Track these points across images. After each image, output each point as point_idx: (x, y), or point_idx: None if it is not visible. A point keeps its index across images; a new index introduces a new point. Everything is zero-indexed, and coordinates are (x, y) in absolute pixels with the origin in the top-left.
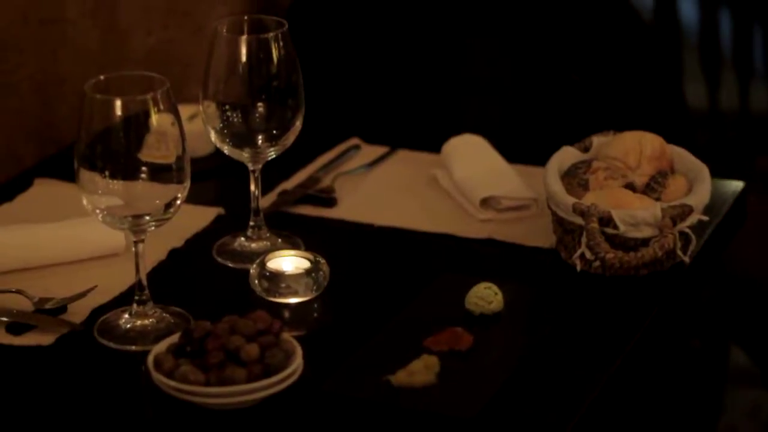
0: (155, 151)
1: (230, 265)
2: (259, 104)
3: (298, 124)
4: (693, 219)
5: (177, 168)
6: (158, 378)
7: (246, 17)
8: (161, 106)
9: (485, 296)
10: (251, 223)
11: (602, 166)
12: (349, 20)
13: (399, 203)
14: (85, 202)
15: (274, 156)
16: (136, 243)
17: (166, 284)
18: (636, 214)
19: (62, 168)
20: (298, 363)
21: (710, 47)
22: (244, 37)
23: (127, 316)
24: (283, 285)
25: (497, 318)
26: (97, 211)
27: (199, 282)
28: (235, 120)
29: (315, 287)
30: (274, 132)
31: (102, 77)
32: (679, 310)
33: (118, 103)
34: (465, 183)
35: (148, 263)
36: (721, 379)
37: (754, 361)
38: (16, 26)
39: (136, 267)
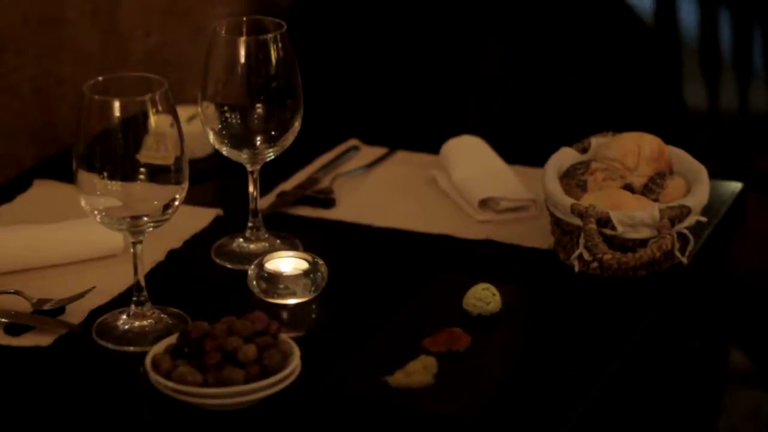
0: (154, 152)
1: (228, 266)
2: (258, 105)
3: (297, 125)
4: (691, 220)
5: (175, 169)
6: (156, 379)
7: (245, 18)
8: (160, 108)
9: (483, 297)
10: (250, 224)
11: (601, 167)
12: (348, 21)
13: (397, 204)
14: (83, 203)
15: (272, 157)
16: (134, 244)
17: (164, 285)
18: (634, 215)
19: (62, 169)
20: (295, 364)
21: (710, 48)
22: (242, 39)
23: (125, 317)
24: (281, 286)
25: (495, 319)
26: (96, 212)
27: (197, 283)
28: (234, 121)
29: (313, 288)
30: (273, 133)
31: (100, 78)
32: (678, 311)
33: (117, 104)
34: (463, 184)
35: (147, 264)
36: (720, 381)
37: (754, 362)
38: (15, 27)
39: (134, 268)
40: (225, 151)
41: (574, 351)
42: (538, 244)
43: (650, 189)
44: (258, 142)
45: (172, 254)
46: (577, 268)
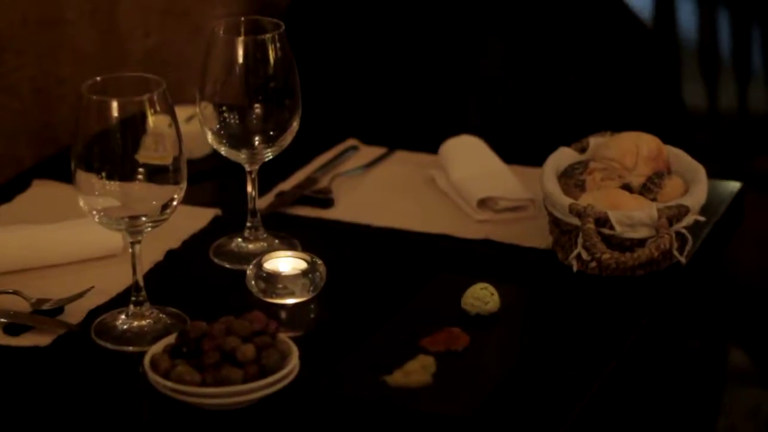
0: (152, 152)
1: (227, 266)
2: (256, 105)
3: (295, 125)
4: (689, 219)
5: (174, 169)
6: (154, 378)
7: (243, 18)
8: (158, 108)
9: (481, 297)
10: (248, 224)
11: (599, 166)
12: (347, 21)
13: (396, 204)
14: (81, 203)
15: (271, 157)
16: (132, 244)
17: (163, 285)
18: (632, 215)
19: (61, 169)
20: (294, 363)
21: (709, 48)
22: (240, 39)
23: (124, 317)
24: (279, 286)
25: (494, 318)
26: (94, 212)
27: (196, 283)
28: (232, 121)
29: (312, 288)
30: (271, 133)
31: (99, 78)
32: (676, 311)
33: (115, 104)
34: (462, 184)
35: (146, 264)
36: (720, 380)
37: (754, 360)
38: (15, 28)
39: (132, 268)
40: (223, 151)
41: (573, 350)
42: (536, 243)
43: (648, 189)
44: (256, 142)
45: (170, 254)
46: (575, 268)
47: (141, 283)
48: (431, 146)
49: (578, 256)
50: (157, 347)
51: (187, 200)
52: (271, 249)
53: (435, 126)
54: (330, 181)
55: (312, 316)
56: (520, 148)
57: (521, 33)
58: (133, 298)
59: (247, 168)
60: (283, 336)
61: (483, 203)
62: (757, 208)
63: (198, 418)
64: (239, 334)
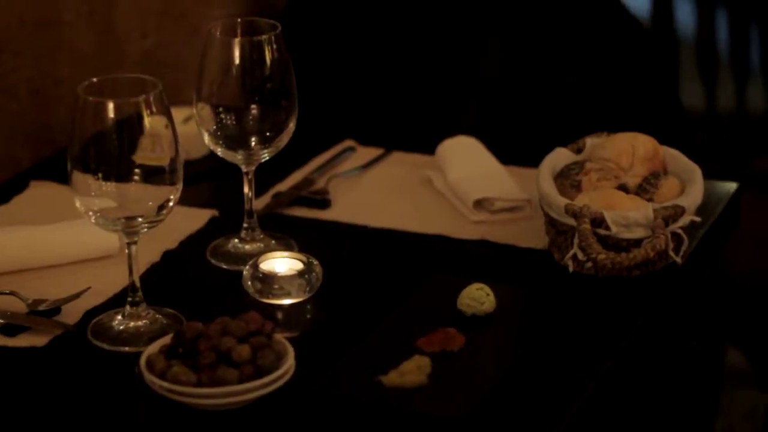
0: (149, 153)
1: (224, 266)
2: (253, 106)
3: (292, 125)
4: (685, 220)
5: (170, 170)
6: (150, 379)
7: (239, 20)
8: (154, 109)
9: (477, 297)
10: (245, 225)
11: (595, 167)
12: (344, 22)
13: (393, 205)
14: (78, 204)
15: (267, 158)
16: (129, 245)
17: (160, 286)
18: (628, 215)
19: (58, 170)
20: (289, 364)
21: (707, 48)
22: (237, 40)
23: (120, 317)
24: (276, 286)
25: (489, 319)
26: (90, 213)
27: (192, 283)
28: (229, 122)
29: (308, 288)
30: (268, 134)
31: (95, 79)
32: (672, 311)
33: (111, 105)
34: (459, 184)
35: (142, 265)
36: (717, 380)
37: (751, 361)
38: (12, 29)
39: (129, 269)
40: (220, 152)
41: (568, 351)
42: (532, 244)
43: (644, 189)
44: (253, 143)
45: (167, 255)
46: (571, 268)
47: (137, 283)
48: (428, 147)
49: (574, 257)
50: (153, 348)
51: (184, 201)
52: (268, 250)
53: (432, 127)
54: (327, 182)
55: (308, 316)
56: (517, 149)
57: (518, 34)
58: (130, 299)
59: (244, 169)
60: (279, 336)
61: (479, 204)
62: (755, 208)
63: (194, 418)
64: (235, 335)
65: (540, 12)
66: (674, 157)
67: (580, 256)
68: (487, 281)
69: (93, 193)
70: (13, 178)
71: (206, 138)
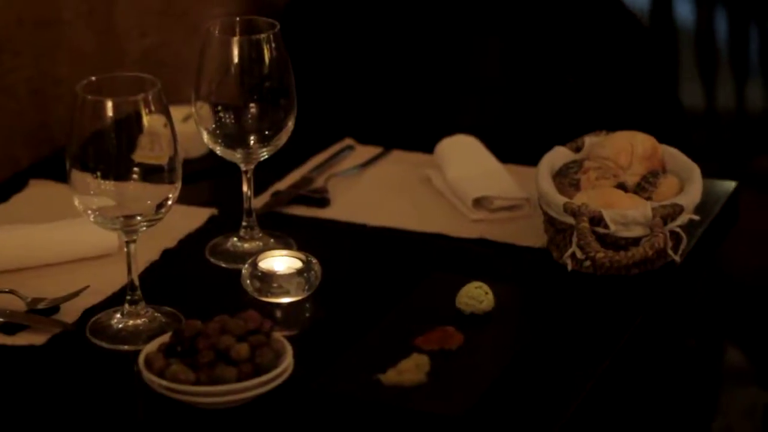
0: (148, 151)
1: (223, 265)
2: (252, 105)
3: (291, 124)
4: (684, 218)
5: (169, 169)
6: (149, 377)
7: (238, 18)
8: (152, 108)
9: (476, 296)
10: (244, 224)
11: (594, 165)
12: (344, 21)
13: (392, 203)
14: (76, 202)
15: (266, 156)
16: (127, 243)
17: (159, 284)
18: (627, 214)
19: (57, 169)
20: (288, 362)
21: (707, 47)
22: (236, 38)
23: (119, 316)
24: (274, 285)
25: (488, 317)
26: (89, 211)
27: (191, 282)
28: (228, 121)
29: (307, 287)
30: (267, 133)
31: (94, 78)
32: (671, 310)
33: (109, 104)
34: (457, 183)
35: (141, 263)
36: (716, 379)
37: (750, 359)
38: (11, 28)
39: (128, 267)
40: (219, 150)
41: (567, 349)
42: (531, 242)
43: (643, 188)
44: (252, 142)
45: (166, 253)
46: (569, 267)
47: (136, 282)
48: (427, 146)
49: (573, 255)
50: (151, 346)
51: (183, 200)
52: (267, 248)
53: (431, 125)
54: (326, 181)
55: (307, 315)
56: (516, 148)
57: (517, 33)
58: (128, 298)
59: (243, 167)
60: (278, 335)
61: (478, 202)
62: (755, 207)
63: (192, 416)
64: (234, 333)
65: (539, 11)
66: (673, 155)
67: (579, 254)
68: (486, 280)
69: (92, 192)
70: (12, 177)
71: (205, 137)
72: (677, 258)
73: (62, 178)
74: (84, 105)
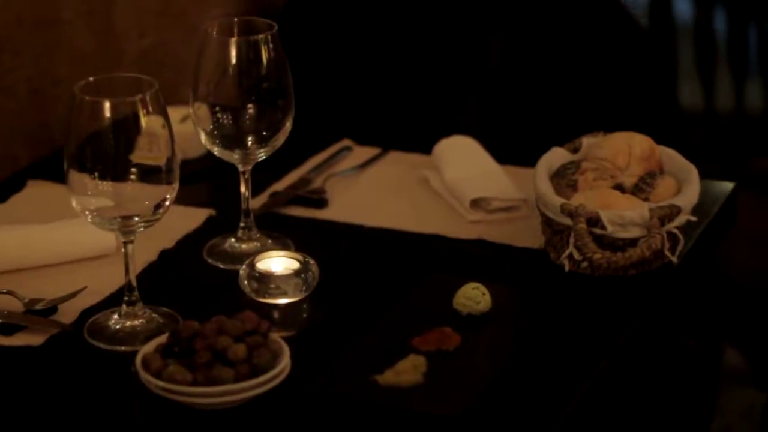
0: (146, 152)
1: (220, 266)
2: (249, 106)
3: (288, 125)
4: (681, 219)
5: (166, 169)
6: (146, 378)
7: (236, 19)
8: (150, 108)
9: (473, 296)
10: (241, 224)
11: (591, 166)
12: (343, 22)
13: (389, 204)
14: (74, 203)
15: (264, 157)
16: (125, 244)
17: (156, 285)
18: (624, 215)
19: (56, 169)
20: (285, 363)
21: (706, 48)
22: (233, 39)
23: (116, 316)
24: (272, 286)
25: (485, 318)
26: (87, 212)
27: (189, 283)
28: (226, 121)
29: (304, 288)
30: (264, 133)
31: (92, 79)
32: (668, 311)
33: (107, 104)
34: (455, 184)
35: (139, 264)
36: (715, 380)
37: (749, 361)
38: (10, 28)
39: (125, 268)
40: (216, 151)
41: (564, 350)
42: (529, 243)
43: (640, 189)
44: (249, 143)
45: (164, 254)
46: (567, 268)
47: (134, 282)
48: (425, 147)
49: (570, 256)
50: (148, 347)
51: (181, 200)
52: (265, 249)
53: (429, 126)
54: (324, 182)
55: (304, 315)
56: (514, 149)
57: (516, 33)
58: (126, 298)
59: (241, 168)
60: (275, 335)
61: (476, 203)
62: (753, 208)
63: (189, 417)
64: (231, 334)
65: (538, 12)
66: (670, 156)
67: (576, 255)
68: (484, 281)
69: (89, 192)
70: (10, 177)
71: (203, 137)
72: (674, 259)
73: (61, 178)
74: (82, 105)
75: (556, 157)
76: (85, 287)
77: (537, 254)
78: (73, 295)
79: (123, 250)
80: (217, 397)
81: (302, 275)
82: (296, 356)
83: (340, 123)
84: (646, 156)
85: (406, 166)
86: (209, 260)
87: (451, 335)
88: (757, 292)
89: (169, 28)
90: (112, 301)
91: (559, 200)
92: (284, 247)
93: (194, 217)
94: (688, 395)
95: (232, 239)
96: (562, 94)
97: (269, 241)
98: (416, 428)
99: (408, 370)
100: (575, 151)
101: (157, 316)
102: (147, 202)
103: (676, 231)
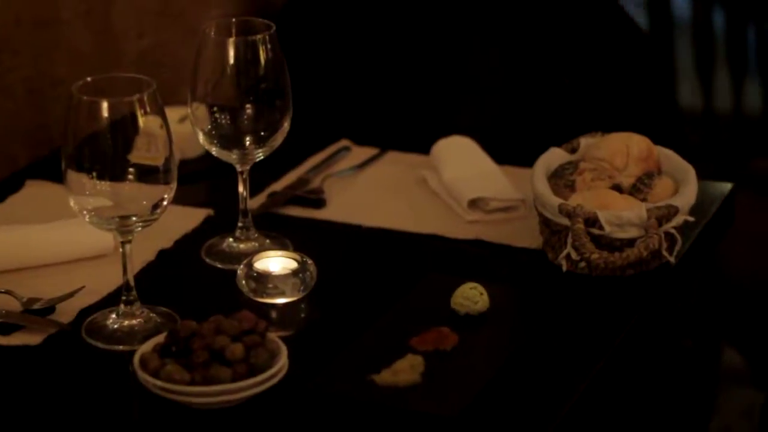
0: (145, 152)
1: (218, 265)
2: (247, 106)
3: (286, 125)
4: (679, 220)
5: (164, 169)
6: (144, 377)
7: (234, 19)
8: (148, 108)
9: (471, 296)
10: (239, 224)
11: (589, 167)
12: (341, 22)
13: (388, 204)
14: (72, 203)
15: (261, 157)
16: (123, 244)
17: (154, 285)
18: (621, 215)
19: (54, 169)
20: (282, 362)
21: (704, 48)
22: (231, 39)
23: (114, 316)
24: (270, 285)
25: (483, 318)
26: (85, 212)
27: (187, 282)
28: (224, 121)
29: (302, 287)
30: (262, 133)
31: (89, 79)
32: (665, 311)
33: (105, 104)
34: (453, 184)
35: (137, 264)
36: (714, 380)
37: (747, 360)
38: (9, 28)
39: (123, 268)
40: (214, 151)
41: (561, 350)
42: (527, 243)
43: (638, 189)
44: (247, 143)
45: (162, 254)
46: (564, 268)
47: (131, 282)
48: (423, 147)
49: (568, 256)
50: (146, 346)
51: (180, 200)
52: (263, 249)
53: (427, 127)
54: (322, 182)
55: (302, 315)
56: (512, 149)
57: (514, 34)
58: (124, 298)
59: (239, 168)
60: (272, 335)
61: (474, 204)
62: (752, 209)
63: (187, 416)
64: (228, 334)
65: (536, 12)
66: (668, 157)
67: (574, 255)
68: (482, 280)
69: (87, 192)
70: (9, 177)
71: (201, 137)
72: (672, 259)
73: (59, 178)
74: (79, 105)
75: (554, 157)
76: (83, 287)
77: (535, 254)
78: (71, 294)
79: (121, 249)
80: (214, 396)
81: (300, 275)
82: (294, 356)
83: (339, 123)
84: (644, 156)
85: (405, 166)
86: (207, 260)
87: (448, 335)
88: (756, 293)
89: (168, 28)
90: (110, 301)
91: (557, 200)
92: (282, 247)
93: (192, 216)
94: (687, 395)
95: (230, 239)
96: (560, 94)
97: (267, 241)
98: (414, 428)
99: (405, 370)
100: (573, 151)
101: (155, 315)
102: (145, 202)
103: (673, 231)
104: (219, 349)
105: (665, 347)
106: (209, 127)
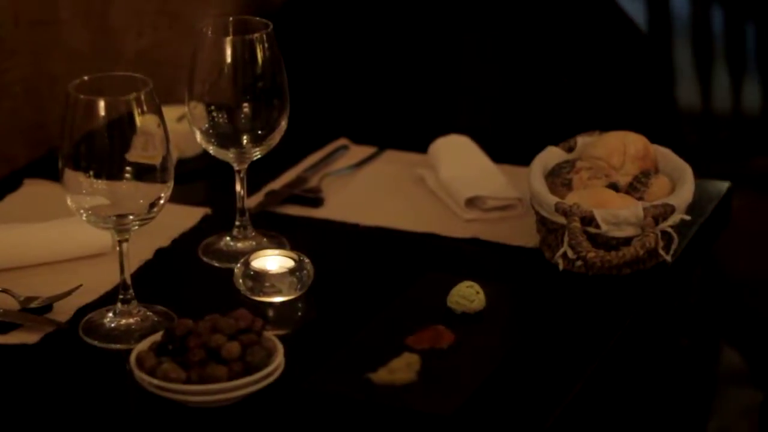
0: (143, 151)
1: (216, 264)
2: (245, 105)
3: (284, 124)
4: (675, 218)
5: (161, 168)
6: (140, 376)
7: (231, 18)
8: (145, 107)
9: (467, 295)
10: (237, 223)
11: (586, 165)
12: (340, 21)
13: (385, 203)
14: (69, 201)
15: (259, 156)
16: (120, 242)
17: (152, 283)
18: (618, 214)
19: (52, 168)
20: (279, 361)
21: (703, 47)
22: (229, 38)
23: (111, 315)
24: (267, 284)
25: (479, 317)
26: (82, 210)
27: (184, 281)
28: (221, 120)
29: (299, 286)
30: (260, 132)
31: (86, 78)
32: (662, 310)
33: (102, 103)
34: (451, 183)
35: (135, 262)
36: (712, 379)
37: (746, 360)
38: (7, 28)
39: (120, 266)
40: (212, 150)
41: (558, 349)
42: (523, 242)
43: (635, 188)
44: (245, 142)
45: (160, 252)
46: (561, 267)
47: (128, 281)
48: (421, 146)
49: (564, 255)
50: (143, 345)
51: (177, 199)
52: (260, 248)
53: (425, 125)
54: (319, 181)
55: (299, 314)
56: (510, 148)
57: (512, 33)
58: (121, 297)
59: (236, 167)
60: (269, 334)
61: (471, 202)
62: (751, 208)
63: (183, 415)
64: (225, 332)
65: (534, 11)
66: (665, 155)
67: (570, 254)
68: (478, 279)
69: (84, 191)
70: (6, 177)
71: (198, 136)
72: (668, 258)
73: (56, 177)
74: (76, 104)
75: (551, 156)
76: (81, 285)
77: (531, 253)
78: (69, 293)
79: (118, 248)
80: (210, 395)
81: (297, 274)
82: (290, 354)
83: (336, 122)
84: (641, 155)
85: (402, 165)
86: (204, 259)
87: (444, 333)
88: (754, 292)
89: (166, 27)
90: (107, 300)
91: (553, 199)
92: (279, 245)
93: (190, 215)
94: (685, 395)
95: (228, 238)
96: (558, 93)
97: (264, 239)
98: (410, 426)
99: (402, 369)
100: (570, 150)
101: (151, 314)
102: (142, 201)
103: (670, 230)
104: (215, 347)
105: (662, 346)
106: (207, 126)
